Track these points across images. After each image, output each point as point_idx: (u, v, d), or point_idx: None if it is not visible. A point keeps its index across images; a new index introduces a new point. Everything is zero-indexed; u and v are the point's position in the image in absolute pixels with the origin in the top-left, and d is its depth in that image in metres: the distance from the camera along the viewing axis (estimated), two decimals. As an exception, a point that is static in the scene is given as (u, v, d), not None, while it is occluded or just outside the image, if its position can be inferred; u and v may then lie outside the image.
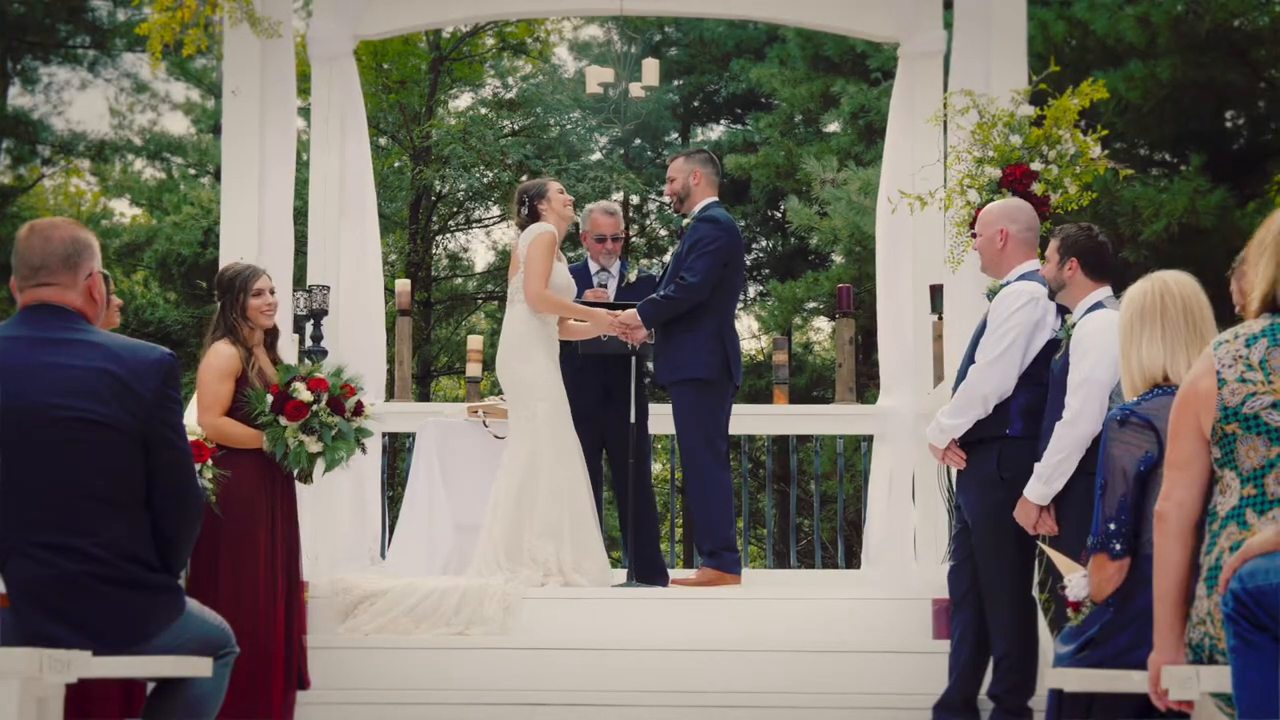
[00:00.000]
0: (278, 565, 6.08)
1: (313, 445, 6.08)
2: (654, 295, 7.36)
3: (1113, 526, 4.29)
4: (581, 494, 7.19)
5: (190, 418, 6.06)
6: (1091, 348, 5.42)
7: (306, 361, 7.28)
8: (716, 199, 7.52)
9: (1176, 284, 4.35)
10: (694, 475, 7.27)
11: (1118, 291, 5.56)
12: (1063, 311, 5.84)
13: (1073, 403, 5.42)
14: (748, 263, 22.37)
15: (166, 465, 4.12)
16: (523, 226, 7.45)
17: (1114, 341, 4.76)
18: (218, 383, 6.05)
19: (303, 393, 6.07)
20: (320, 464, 6.21)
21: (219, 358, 6.09)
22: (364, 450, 6.41)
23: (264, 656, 5.94)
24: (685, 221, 7.56)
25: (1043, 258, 6.16)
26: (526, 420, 7.24)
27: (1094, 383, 5.36)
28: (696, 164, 7.50)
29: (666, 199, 22.73)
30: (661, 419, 7.92)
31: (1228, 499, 3.70)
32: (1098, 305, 5.58)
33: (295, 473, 6.20)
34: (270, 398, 6.05)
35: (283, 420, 6.03)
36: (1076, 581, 4.50)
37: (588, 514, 7.19)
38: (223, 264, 6.79)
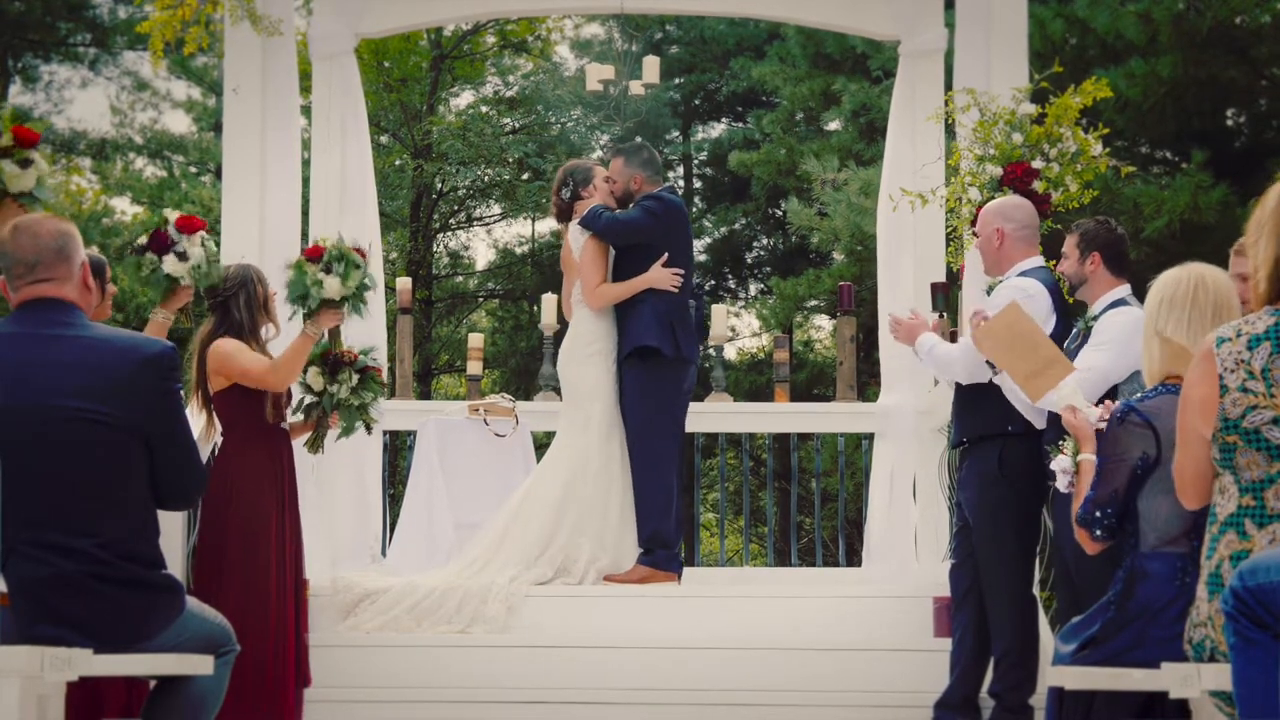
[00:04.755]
0: (287, 563, 6.08)
1: (332, 284, 6.02)
2: (608, 210, 7.28)
3: (1098, 514, 4.34)
4: (620, 495, 7.15)
5: (193, 414, 6.07)
6: (1111, 340, 5.42)
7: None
8: (666, 187, 7.40)
9: (1213, 278, 4.30)
10: (639, 460, 7.12)
11: (1135, 288, 5.58)
12: (1059, 306, 5.84)
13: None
14: (748, 260, 22.37)
15: (169, 462, 4.13)
16: (560, 210, 7.46)
17: (1134, 339, 4.74)
18: (242, 354, 5.95)
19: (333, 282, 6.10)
20: (334, 432, 6.25)
21: (231, 344, 5.99)
22: (369, 430, 6.42)
23: (278, 655, 5.94)
24: None
25: (1045, 254, 6.17)
26: (584, 420, 7.22)
27: (1096, 370, 5.35)
28: (635, 167, 7.37)
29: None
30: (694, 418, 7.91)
31: (1227, 503, 3.70)
32: (1119, 302, 5.58)
33: (307, 442, 6.23)
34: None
35: (309, 267, 6.02)
36: (1062, 461, 4.66)
37: (625, 516, 7.16)
38: (224, 262, 6.76)
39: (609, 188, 7.38)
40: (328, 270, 6.04)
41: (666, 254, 7.19)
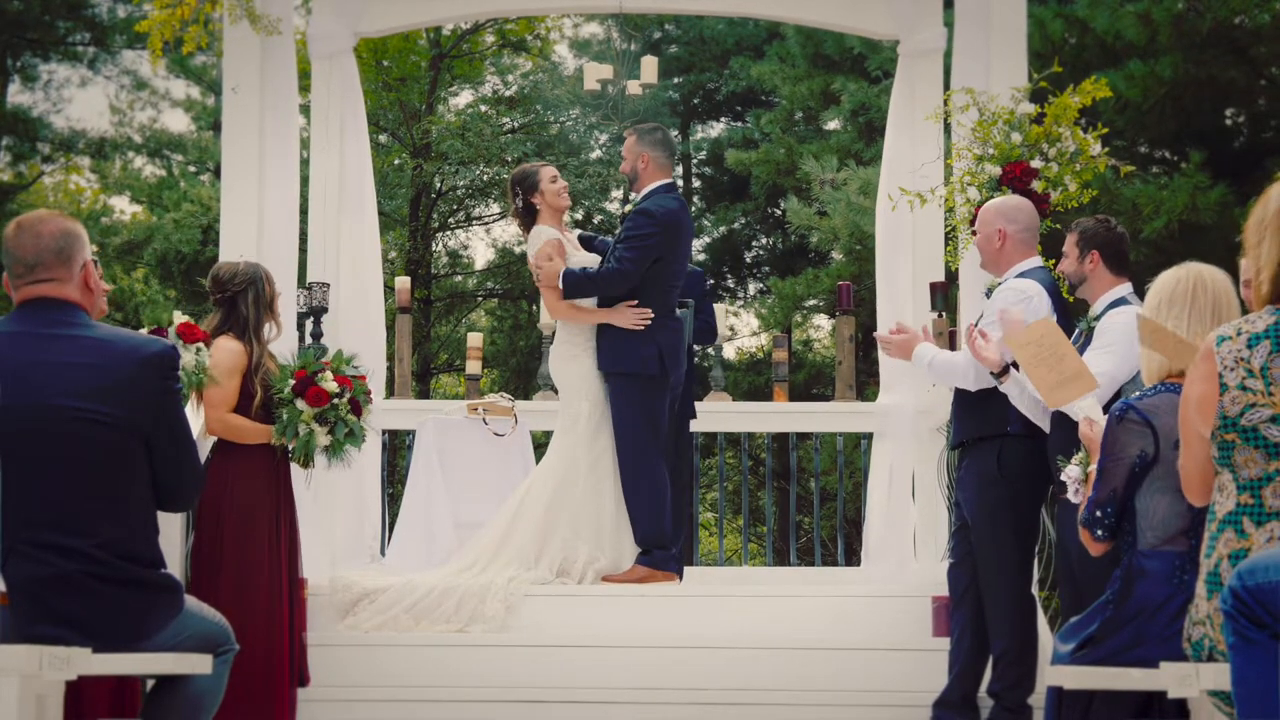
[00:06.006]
0: (281, 562, 6.08)
1: (322, 437, 6.04)
2: (583, 269, 7.20)
3: (1098, 514, 4.35)
4: (612, 494, 7.14)
5: (193, 413, 6.07)
6: (1114, 342, 5.41)
7: (318, 345, 7.33)
8: (667, 181, 7.31)
9: (1210, 277, 4.30)
10: (626, 465, 7.10)
11: (1136, 287, 5.57)
12: (1059, 307, 5.84)
13: None
14: (747, 259, 22.36)
15: (168, 461, 4.14)
16: (519, 219, 7.41)
17: (1137, 338, 4.74)
18: (225, 379, 6.00)
19: (329, 383, 6.05)
20: (321, 456, 6.19)
21: (226, 354, 6.02)
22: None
23: (272, 654, 5.94)
24: (626, 207, 7.45)
25: (1044, 255, 6.17)
26: (571, 419, 7.22)
27: (1103, 374, 5.35)
28: (645, 146, 7.27)
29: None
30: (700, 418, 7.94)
31: (1225, 501, 3.70)
32: (1121, 301, 5.58)
33: (292, 454, 6.16)
34: (293, 380, 6.03)
35: (301, 404, 6.00)
36: (1071, 471, 4.71)
37: (619, 515, 7.14)
38: (223, 261, 6.76)
39: (557, 189, 7.30)
40: (321, 420, 6.03)
41: (636, 301, 7.10)
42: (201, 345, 5.94)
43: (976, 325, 5.84)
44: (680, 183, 22.63)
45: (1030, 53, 7.69)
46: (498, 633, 6.66)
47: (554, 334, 7.58)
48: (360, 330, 8.09)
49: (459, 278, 23.13)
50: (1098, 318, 5.59)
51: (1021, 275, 5.92)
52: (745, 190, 20.41)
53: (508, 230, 22.66)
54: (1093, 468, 4.54)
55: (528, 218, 7.34)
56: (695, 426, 8.92)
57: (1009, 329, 5.32)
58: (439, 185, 21.11)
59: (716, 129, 23.01)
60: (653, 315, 7.10)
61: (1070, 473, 4.74)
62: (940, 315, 7.91)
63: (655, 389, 7.12)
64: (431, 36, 21.21)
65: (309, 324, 8.03)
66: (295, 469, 6.23)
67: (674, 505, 7.28)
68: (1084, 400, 4.83)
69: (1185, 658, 3.85)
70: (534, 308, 19.86)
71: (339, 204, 8.18)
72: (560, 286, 7.13)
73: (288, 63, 7.73)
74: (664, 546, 7.07)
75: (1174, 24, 11.35)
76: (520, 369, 21.18)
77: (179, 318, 5.93)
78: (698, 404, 8.82)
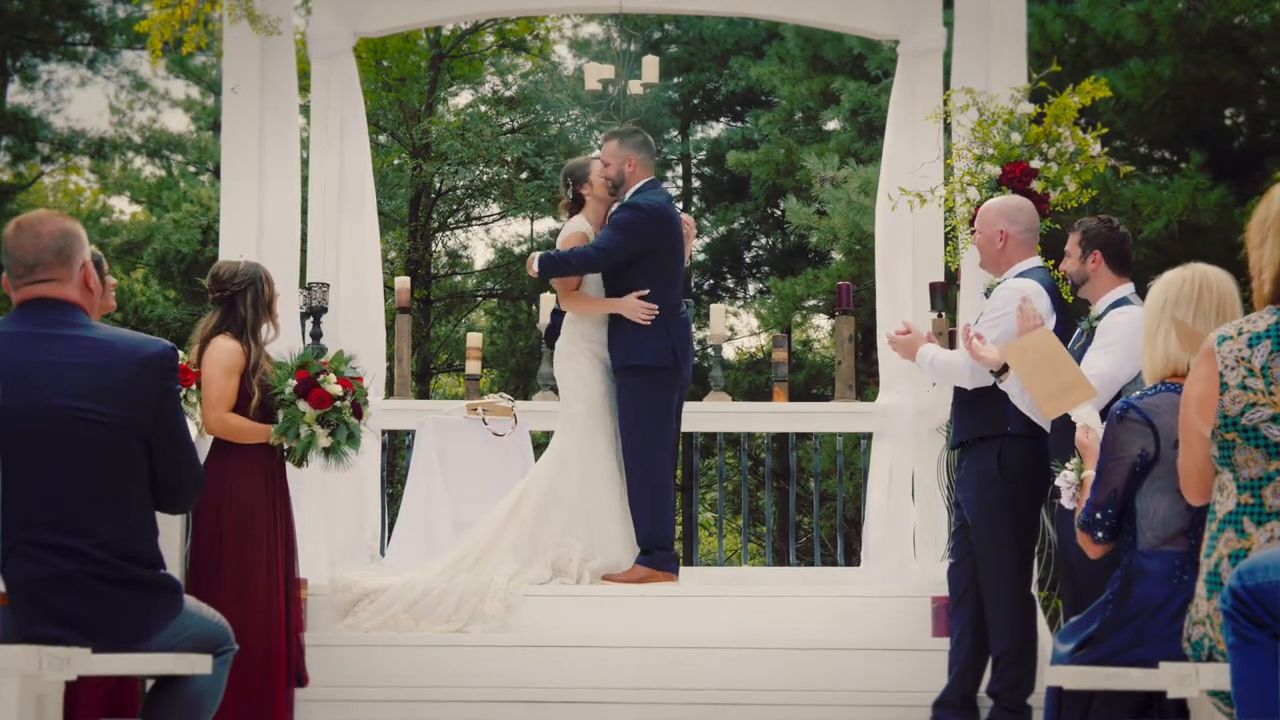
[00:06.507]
0: (279, 562, 6.07)
1: (323, 439, 6.03)
2: (557, 250, 7.23)
3: (1099, 516, 4.34)
4: (605, 495, 7.13)
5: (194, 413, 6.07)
6: (1116, 342, 5.42)
7: (317, 345, 7.33)
8: (652, 179, 7.32)
9: (1216, 278, 4.29)
10: (633, 463, 7.09)
11: (1136, 287, 5.57)
12: (1058, 307, 5.84)
13: None
14: (747, 259, 22.36)
15: (168, 462, 4.13)
16: (570, 212, 7.45)
17: (1139, 338, 4.75)
18: (224, 378, 5.98)
19: (332, 385, 6.03)
20: (319, 457, 6.18)
21: (225, 354, 6.01)
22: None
23: (270, 654, 5.93)
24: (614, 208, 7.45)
25: (1044, 255, 6.17)
26: (566, 420, 7.23)
27: (1104, 374, 5.35)
28: (630, 149, 7.27)
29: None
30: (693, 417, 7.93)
31: (1225, 501, 3.70)
32: (1123, 301, 5.58)
33: (286, 453, 6.15)
34: (294, 381, 6.02)
35: (303, 405, 5.99)
36: (1066, 477, 4.72)
37: (614, 516, 7.14)
38: (223, 260, 6.75)
39: (603, 177, 7.33)
40: (323, 423, 6.02)
41: (647, 289, 7.11)
42: (194, 389, 5.95)
43: (974, 326, 5.84)
44: (680, 183, 22.64)
45: (1030, 53, 7.69)
46: (497, 633, 6.66)
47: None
48: (360, 330, 8.09)
49: (459, 278, 23.14)
50: (1099, 318, 5.59)
51: (1021, 275, 5.92)
52: (745, 190, 20.41)
53: (507, 230, 22.69)
54: (1088, 473, 4.54)
55: (576, 208, 7.39)
56: (695, 426, 8.95)
57: (1024, 323, 5.34)
58: (439, 185, 21.11)
59: (716, 129, 23.02)
60: (659, 310, 7.10)
61: (1065, 477, 4.73)
62: (940, 315, 7.91)
63: (667, 383, 7.13)
64: (431, 36, 21.21)
65: (308, 324, 8.03)
66: (289, 467, 6.22)
67: None
68: (1082, 408, 4.83)
69: (1185, 658, 3.85)
70: (533, 308, 19.86)
71: (339, 204, 8.18)
72: (536, 270, 7.17)
73: (287, 63, 7.74)
74: (665, 547, 7.08)
75: (1174, 24, 11.35)
76: (520, 369, 21.19)
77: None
78: (698, 404, 8.83)
